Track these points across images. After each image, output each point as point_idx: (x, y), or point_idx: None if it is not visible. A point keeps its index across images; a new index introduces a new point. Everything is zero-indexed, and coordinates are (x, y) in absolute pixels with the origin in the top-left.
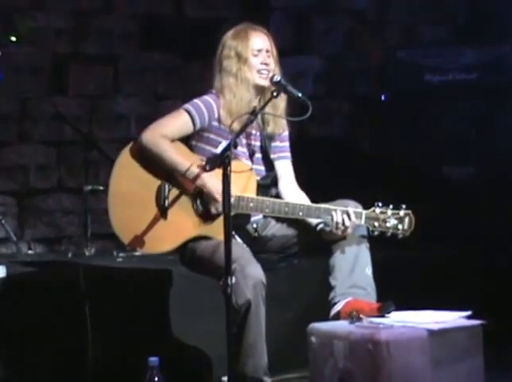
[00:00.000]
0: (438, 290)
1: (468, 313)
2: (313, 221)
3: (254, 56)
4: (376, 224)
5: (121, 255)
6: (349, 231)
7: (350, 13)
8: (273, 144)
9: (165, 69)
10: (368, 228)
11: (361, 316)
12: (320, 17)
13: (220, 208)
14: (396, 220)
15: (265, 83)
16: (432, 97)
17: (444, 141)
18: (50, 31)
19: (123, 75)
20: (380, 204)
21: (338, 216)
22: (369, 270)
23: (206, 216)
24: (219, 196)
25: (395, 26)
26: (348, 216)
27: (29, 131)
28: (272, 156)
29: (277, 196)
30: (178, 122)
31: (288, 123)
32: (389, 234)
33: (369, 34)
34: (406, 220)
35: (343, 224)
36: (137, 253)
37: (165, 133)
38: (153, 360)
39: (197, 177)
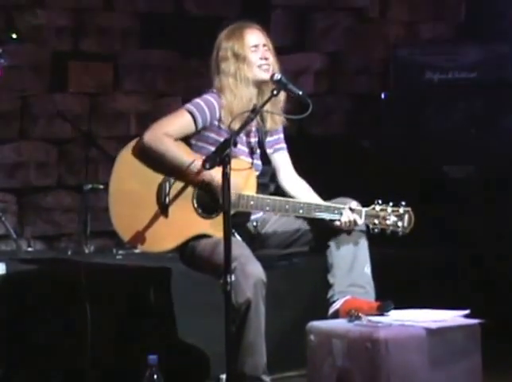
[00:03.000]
0: (437, 290)
1: (466, 311)
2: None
3: (252, 52)
4: (376, 221)
5: (120, 252)
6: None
7: (351, 10)
8: (268, 139)
9: (165, 67)
10: (368, 226)
11: (360, 314)
12: (320, 15)
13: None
14: (396, 217)
15: (267, 76)
16: (433, 95)
17: (444, 140)
18: (50, 28)
19: (123, 72)
20: (380, 202)
21: (349, 216)
22: (368, 269)
23: (207, 213)
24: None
25: (395, 24)
26: (358, 214)
27: (29, 129)
28: (268, 151)
29: (276, 190)
30: (180, 123)
31: (286, 120)
32: (389, 231)
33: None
34: (406, 217)
35: (355, 223)
36: (136, 251)
37: (168, 132)
38: (152, 357)
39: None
